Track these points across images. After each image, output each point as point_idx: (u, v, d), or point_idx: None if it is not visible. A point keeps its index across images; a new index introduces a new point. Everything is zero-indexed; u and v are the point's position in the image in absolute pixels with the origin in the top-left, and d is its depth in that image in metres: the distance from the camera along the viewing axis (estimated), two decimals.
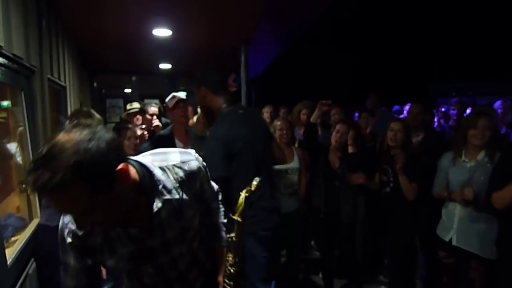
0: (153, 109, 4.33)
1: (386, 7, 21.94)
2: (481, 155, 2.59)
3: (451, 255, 2.77)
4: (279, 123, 3.42)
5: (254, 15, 3.89)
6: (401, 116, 5.58)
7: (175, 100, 3.26)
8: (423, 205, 3.09)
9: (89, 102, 7.10)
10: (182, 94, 3.50)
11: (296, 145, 3.77)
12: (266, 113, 4.80)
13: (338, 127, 3.25)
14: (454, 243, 2.67)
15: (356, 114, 4.91)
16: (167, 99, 3.41)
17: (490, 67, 19.00)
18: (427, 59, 22.00)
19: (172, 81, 8.90)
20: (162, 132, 3.54)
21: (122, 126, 2.99)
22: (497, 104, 4.04)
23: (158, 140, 3.26)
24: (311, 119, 3.49)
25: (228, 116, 2.20)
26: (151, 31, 4.47)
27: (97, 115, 2.53)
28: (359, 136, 3.40)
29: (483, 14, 21.25)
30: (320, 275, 3.73)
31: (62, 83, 3.88)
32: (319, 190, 3.28)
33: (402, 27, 22.65)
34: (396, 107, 6.95)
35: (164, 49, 5.45)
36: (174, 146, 3.18)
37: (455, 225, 2.68)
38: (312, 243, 4.69)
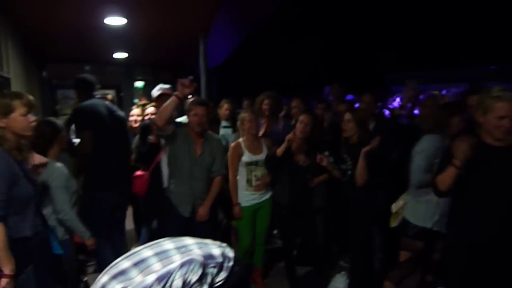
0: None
1: None
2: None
3: (427, 242, 2.81)
4: (247, 114, 3.41)
5: (211, 4, 3.81)
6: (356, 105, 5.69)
7: (159, 92, 3.35)
8: (380, 192, 3.21)
9: (37, 93, 6.68)
10: (166, 87, 3.52)
11: (260, 134, 3.78)
12: (225, 110, 4.62)
13: (301, 117, 3.24)
14: (435, 228, 2.72)
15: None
16: (153, 91, 3.60)
17: (441, 56, 20.00)
18: (381, 48, 22.68)
19: (128, 70, 8.59)
20: (145, 122, 3.74)
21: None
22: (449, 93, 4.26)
23: (142, 129, 3.58)
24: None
25: None
26: (103, 19, 4.26)
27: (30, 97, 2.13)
28: (319, 128, 3.43)
29: (434, 3, 22.24)
30: (283, 264, 3.79)
31: (5, 75, 3.61)
32: (282, 184, 3.31)
33: (357, 17, 23.20)
34: (349, 97, 7.11)
35: (118, 37, 5.23)
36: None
37: (438, 211, 2.69)
38: (275, 232, 4.75)
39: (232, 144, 3.51)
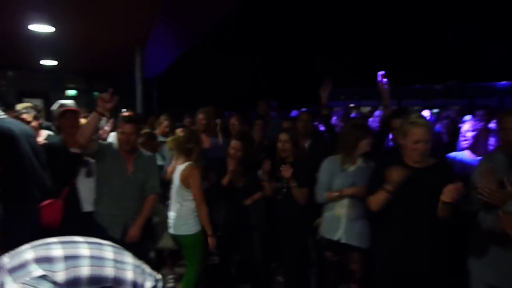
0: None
1: (280, 14, 23.16)
2: (360, 161, 2.90)
3: (337, 253, 3.02)
4: (182, 134, 3.32)
5: (146, 15, 3.72)
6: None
7: (61, 109, 2.99)
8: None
9: None
10: (70, 103, 3.18)
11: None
12: (165, 127, 4.52)
13: (232, 143, 3.24)
14: (342, 240, 2.91)
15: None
16: (53, 107, 3.13)
17: (374, 73, 21.45)
18: (318, 65, 23.78)
19: (58, 78, 8.08)
20: (51, 141, 3.26)
21: None
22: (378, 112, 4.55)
23: (48, 150, 3.07)
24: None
25: None
26: (27, 26, 3.95)
27: None
28: (252, 149, 3.43)
29: (369, 22, 23.88)
30: (221, 282, 3.73)
31: None
32: (218, 205, 3.27)
33: (295, 34, 24.22)
34: (294, 113, 7.33)
35: (46, 44, 4.89)
36: (68, 156, 3.07)
37: (342, 224, 2.92)
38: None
39: (192, 168, 3.14)
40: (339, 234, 2.92)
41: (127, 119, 2.91)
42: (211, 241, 3.09)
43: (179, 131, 3.37)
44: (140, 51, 4.69)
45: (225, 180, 3.20)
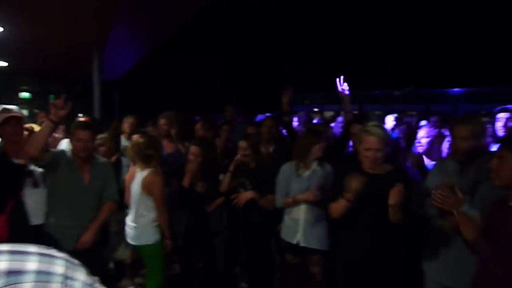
0: None
1: (245, 20, 23.34)
2: (315, 165, 2.98)
3: (297, 256, 3.07)
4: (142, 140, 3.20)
5: (104, 17, 3.58)
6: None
7: (4, 115, 2.72)
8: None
9: None
10: (14, 109, 2.92)
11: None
12: (126, 123, 4.49)
13: (192, 149, 3.18)
14: (301, 244, 2.97)
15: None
16: None
17: (337, 78, 22.04)
18: (283, 69, 24.12)
19: (9, 80, 7.62)
20: None
21: None
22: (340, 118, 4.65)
23: None
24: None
25: None
26: None
27: None
28: (213, 154, 3.36)
29: (332, 28, 24.53)
30: None
31: None
32: (180, 212, 3.19)
33: (260, 39, 24.47)
34: (259, 117, 7.35)
35: None
36: (10, 167, 2.77)
37: (300, 228, 2.98)
38: None
39: (154, 174, 3.04)
40: (298, 237, 2.99)
41: (83, 126, 2.77)
42: (168, 244, 3.03)
43: (136, 137, 3.26)
44: (98, 53, 4.52)
45: (185, 182, 3.12)
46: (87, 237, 2.81)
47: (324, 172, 2.95)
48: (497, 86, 18.42)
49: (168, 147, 4.05)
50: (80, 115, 2.99)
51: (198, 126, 4.10)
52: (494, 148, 3.17)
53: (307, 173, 2.98)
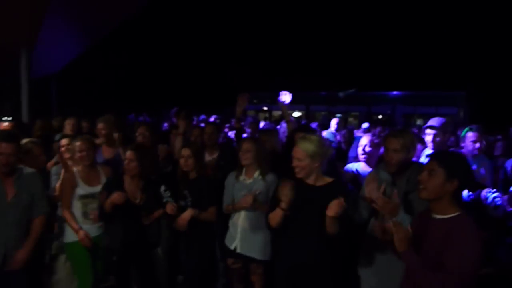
0: None
1: (190, 19, 23.15)
2: (256, 174, 3.03)
3: (237, 262, 3.12)
4: (79, 143, 3.03)
5: (31, 17, 3.32)
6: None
7: None
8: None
9: None
10: None
11: None
12: (68, 125, 4.36)
13: (127, 153, 3.01)
14: (238, 250, 3.03)
15: None
16: None
17: (285, 77, 22.56)
18: (230, 69, 24.11)
19: None
20: None
21: None
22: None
23: None
24: None
25: None
26: None
27: None
28: (150, 161, 3.22)
29: (280, 28, 24.93)
30: None
31: None
32: (115, 226, 3.02)
33: (206, 38, 24.37)
34: (202, 117, 7.32)
35: None
36: None
37: (238, 234, 3.05)
38: None
39: (64, 175, 3.10)
40: (235, 243, 3.05)
41: (5, 137, 2.54)
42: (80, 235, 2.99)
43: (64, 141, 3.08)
44: (27, 53, 4.17)
45: (116, 199, 2.87)
46: (21, 256, 2.64)
47: (265, 181, 3.00)
48: (430, 90, 19.89)
49: (107, 152, 3.85)
50: (4, 118, 2.73)
51: (140, 130, 3.94)
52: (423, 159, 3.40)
53: (249, 181, 3.04)
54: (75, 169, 3.10)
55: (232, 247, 3.05)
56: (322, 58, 23.91)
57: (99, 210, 2.98)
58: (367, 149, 3.49)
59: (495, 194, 2.81)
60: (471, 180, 2.47)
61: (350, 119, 22.38)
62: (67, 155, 3.22)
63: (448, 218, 1.86)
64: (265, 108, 22.91)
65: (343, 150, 5.15)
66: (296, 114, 23.12)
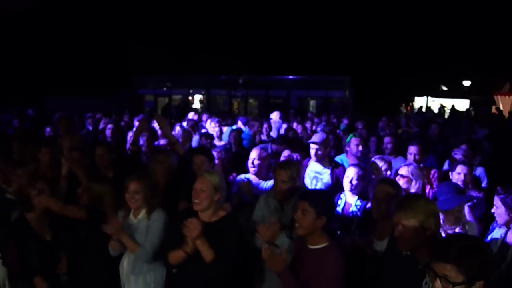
0: None
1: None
2: (142, 213, 2.90)
3: None
4: None
5: None
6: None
7: None
8: None
9: None
10: None
11: None
12: None
13: (98, 150, 2.97)
14: None
15: None
16: None
17: (186, 61, 22.04)
18: (131, 50, 22.75)
19: None
20: None
21: None
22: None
23: None
24: None
25: None
26: None
27: None
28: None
29: (177, 11, 24.08)
30: None
31: None
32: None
33: (105, 20, 22.54)
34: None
35: None
36: None
37: (124, 277, 2.93)
38: None
39: None
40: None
41: None
42: None
43: None
44: None
45: None
46: None
47: (150, 219, 2.86)
48: (320, 75, 21.57)
49: None
50: None
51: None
52: None
53: (134, 221, 2.91)
54: None
55: None
56: (223, 44, 24.07)
57: None
58: (256, 162, 3.82)
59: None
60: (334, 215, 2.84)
61: (251, 101, 23.21)
62: None
63: (318, 248, 2.24)
64: (165, 89, 21.96)
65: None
66: (198, 96, 22.91)
